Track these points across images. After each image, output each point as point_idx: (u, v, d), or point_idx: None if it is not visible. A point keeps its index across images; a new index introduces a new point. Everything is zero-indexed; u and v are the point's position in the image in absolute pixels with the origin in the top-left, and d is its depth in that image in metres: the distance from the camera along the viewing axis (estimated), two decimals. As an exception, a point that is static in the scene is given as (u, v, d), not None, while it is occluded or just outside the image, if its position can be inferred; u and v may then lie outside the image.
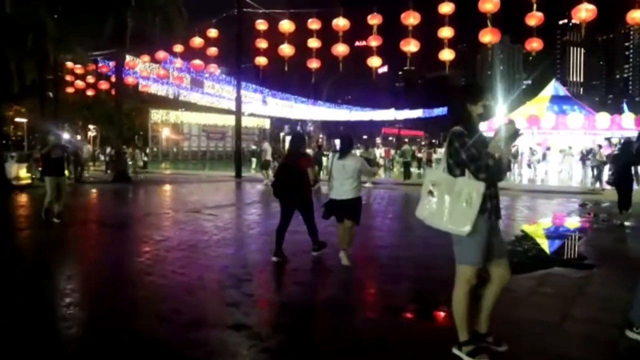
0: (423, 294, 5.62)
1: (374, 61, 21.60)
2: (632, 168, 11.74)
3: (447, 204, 3.55)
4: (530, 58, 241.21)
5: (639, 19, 16.74)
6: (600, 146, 29.09)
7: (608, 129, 38.20)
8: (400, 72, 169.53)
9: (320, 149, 26.04)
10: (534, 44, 18.55)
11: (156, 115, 55.41)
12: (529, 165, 30.42)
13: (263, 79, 42.51)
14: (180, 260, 7.10)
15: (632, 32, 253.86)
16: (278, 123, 71.25)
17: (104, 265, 7.10)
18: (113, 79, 28.39)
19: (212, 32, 25.37)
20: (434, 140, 73.02)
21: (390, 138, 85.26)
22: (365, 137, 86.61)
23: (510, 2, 17.96)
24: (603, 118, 38.42)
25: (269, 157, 22.45)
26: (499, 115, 44.84)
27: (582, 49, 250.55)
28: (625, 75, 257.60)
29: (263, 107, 58.89)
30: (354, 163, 6.73)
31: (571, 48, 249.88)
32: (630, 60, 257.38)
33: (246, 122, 52.08)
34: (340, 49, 21.28)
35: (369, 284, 6.37)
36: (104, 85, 32.94)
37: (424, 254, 7.52)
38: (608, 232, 10.02)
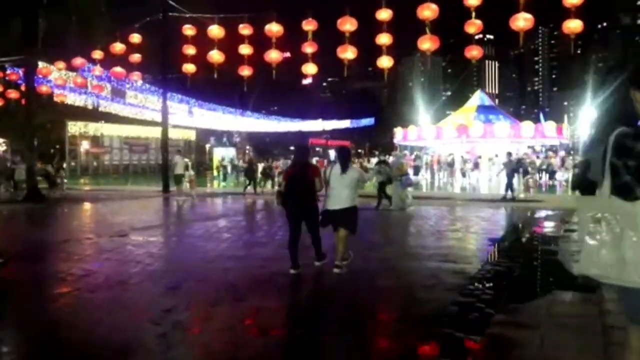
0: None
1: (309, 68, 20.66)
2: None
3: (633, 245, 2.24)
4: (450, 70, 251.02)
5: (574, 28, 16.75)
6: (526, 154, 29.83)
7: (532, 137, 39.41)
8: (324, 83, 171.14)
9: (251, 164, 24.91)
10: (474, 52, 18.26)
11: (74, 127, 51.96)
12: (463, 174, 30.59)
13: (190, 88, 40.59)
14: (109, 303, 5.73)
15: (540, 48, 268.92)
16: (203, 134, 68.89)
17: (5, 321, 5.48)
18: (23, 87, 25.71)
19: (135, 38, 23.44)
20: (359, 150, 73.32)
21: (318, 149, 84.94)
22: (292, 147, 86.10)
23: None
24: (528, 127, 39.57)
25: (180, 170, 20.94)
26: (424, 125, 45.83)
27: (497, 63, 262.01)
28: (536, 87, 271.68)
29: (189, 118, 56.69)
30: (354, 174, 7.03)
31: (487, 61, 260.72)
32: (540, 73, 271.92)
33: (171, 133, 49.40)
34: (273, 56, 20.22)
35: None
36: (12, 94, 29.89)
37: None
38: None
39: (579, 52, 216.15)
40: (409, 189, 16.24)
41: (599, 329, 4.70)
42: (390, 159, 23.85)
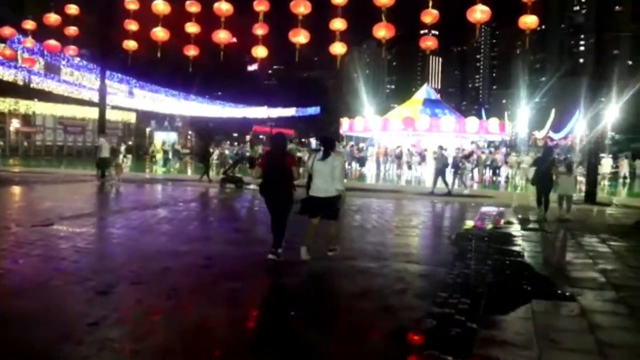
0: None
1: (259, 51, 19.68)
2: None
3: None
4: (394, 64, 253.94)
5: (530, 23, 16.55)
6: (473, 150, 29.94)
7: (476, 132, 39.91)
8: (270, 71, 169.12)
9: (207, 150, 23.86)
10: (429, 43, 17.80)
11: (3, 104, 48.54)
12: (409, 167, 30.45)
13: (131, 67, 38.57)
14: (22, 314, 4.70)
15: (482, 46, 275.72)
16: (144, 117, 66.22)
17: None
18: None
19: (72, 9, 21.60)
20: (303, 140, 72.29)
21: (262, 136, 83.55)
22: (235, 134, 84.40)
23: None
24: (472, 122, 40.04)
25: (105, 154, 19.83)
26: (370, 116, 45.63)
27: (441, 59, 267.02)
28: (477, 84, 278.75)
29: (129, 99, 54.26)
30: (338, 162, 7.07)
31: (431, 57, 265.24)
32: (481, 71, 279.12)
33: (109, 115, 47.17)
34: (222, 36, 19.14)
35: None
36: None
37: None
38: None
39: (517, 52, 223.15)
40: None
41: (593, 347, 4.19)
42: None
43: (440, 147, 19.73)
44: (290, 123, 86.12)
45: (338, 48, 18.59)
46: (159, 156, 40.09)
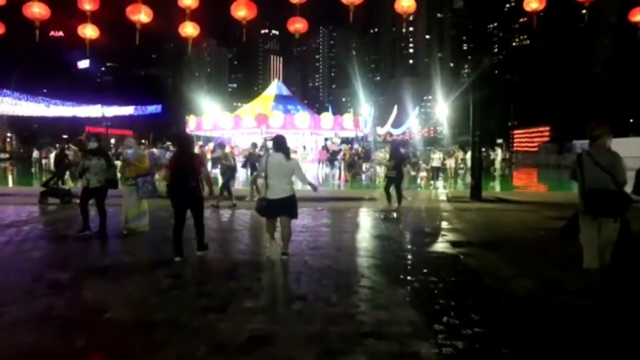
0: None
1: (88, 30, 15.84)
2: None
3: None
4: (236, 63, 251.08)
5: (407, 8, 14.96)
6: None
7: (331, 129, 38.84)
8: (103, 68, 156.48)
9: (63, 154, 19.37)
10: (298, 25, 15.42)
11: None
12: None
13: None
14: None
15: (321, 47, 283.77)
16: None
17: None
18: None
19: None
20: (143, 141, 66.67)
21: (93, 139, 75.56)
22: (65, 136, 75.62)
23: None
24: (327, 119, 38.90)
25: None
26: (221, 113, 42.62)
27: (282, 58, 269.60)
28: (317, 84, 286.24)
29: None
30: (292, 163, 7.05)
31: (272, 56, 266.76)
32: (320, 71, 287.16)
33: None
34: (37, 10, 15.08)
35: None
36: None
37: None
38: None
39: (354, 53, 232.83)
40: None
41: None
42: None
43: (254, 145, 17.03)
44: (129, 122, 79.39)
45: (189, 29, 15.52)
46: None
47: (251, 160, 15.54)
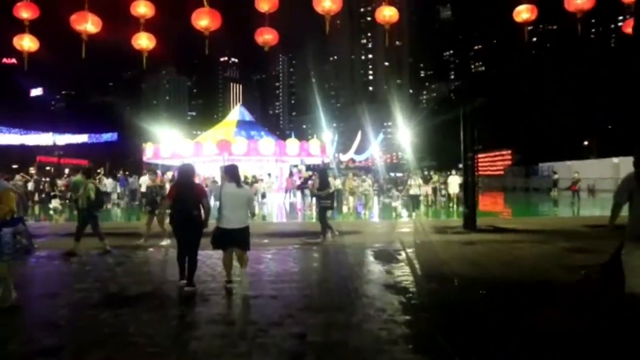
0: None
1: (25, 42, 13.81)
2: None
3: None
4: (195, 91, 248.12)
5: (389, 17, 13.47)
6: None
7: (297, 155, 37.10)
8: (58, 96, 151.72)
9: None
10: (267, 36, 13.73)
11: None
12: (262, 196, 24.55)
13: None
14: None
15: (280, 74, 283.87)
16: None
17: None
18: None
19: None
20: (99, 170, 63.40)
21: (48, 168, 71.90)
22: (15, 166, 71.52)
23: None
24: (293, 145, 37.20)
25: None
26: (180, 140, 40.46)
27: (241, 85, 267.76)
28: (277, 111, 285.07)
29: None
30: (247, 192, 7.05)
31: (231, 83, 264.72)
32: (280, 98, 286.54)
33: None
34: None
35: None
36: None
37: None
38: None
39: (313, 81, 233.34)
40: None
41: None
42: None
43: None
44: (83, 151, 75.85)
45: (143, 40, 13.65)
46: None
47: (150, 195, 12.43)
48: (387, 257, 9.30)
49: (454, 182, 20.79)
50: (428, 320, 5.36)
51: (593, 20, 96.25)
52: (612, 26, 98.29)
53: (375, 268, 8.30)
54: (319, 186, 12.26)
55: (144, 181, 28.59)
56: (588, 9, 13.07)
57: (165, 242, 11.03)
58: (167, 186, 18.25)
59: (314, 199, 22.33)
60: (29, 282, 7.53)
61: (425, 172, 23.11)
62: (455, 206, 21.09)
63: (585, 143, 63.53)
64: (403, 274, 7.78)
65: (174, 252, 7.37)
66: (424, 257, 9.34)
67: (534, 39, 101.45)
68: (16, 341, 4.81)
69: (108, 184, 27.61)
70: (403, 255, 9.46)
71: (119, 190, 29.51)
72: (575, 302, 6.04)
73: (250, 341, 4.74)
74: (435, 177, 24.45)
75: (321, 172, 13.56)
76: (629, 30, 13.82)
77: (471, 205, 13.46)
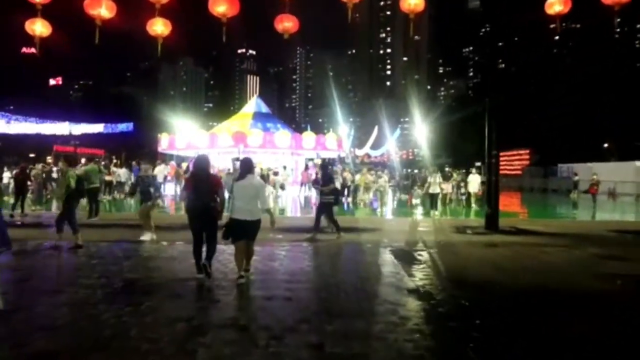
0: None
1: (37, 27, 13.50)
2: None
3: None
4: (212, 82, 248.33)
5: (414, 6, 12.94)
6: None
7: (313, 148, 36.64)
8: (76, 86, 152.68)
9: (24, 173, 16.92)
10: (287, 24, 13.28)
11: None
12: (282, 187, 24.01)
13: None
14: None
15: (298, 67, 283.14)
16: None
17: None
18: None
19: None
20: (115, 160, 63.53)
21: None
22: (32, 155, 71.87)
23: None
24: (309, 138, 36.70)
25: None
26: (195, 131, 40.21)
27: (258, 78, 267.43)
28: (294, 104, 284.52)
29: None
30: (260, 185, 7.12)
31: (248, 76, 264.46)
32: (297, 91, 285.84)
33: None
34: None
35: None
36: None
37: None
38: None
39: (331, 74, 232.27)
40: None
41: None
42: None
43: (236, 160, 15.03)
44: (99, 141, 76.03)
45: (159, 26, 13.27)
46: None
47: (143, 185, 11.03)
48: (407, 257, 8.85)
49: (475, 181, 20.27)
50: (456, 332, 4.91)
51: (619, 20, 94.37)
52: (638, 26, 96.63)
53: (395, 269, 7.85)
54: (322, 181, 11.88)
55: (159, 171, 28.47)
56: (626, 2, 12.48)
57: (145, 237, 10.40)
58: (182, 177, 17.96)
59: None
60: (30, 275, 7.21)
61: (447, 169, 22.31)
62: (475, 205, 20.56)
63: (605, 145, 62.35)
64: (426, 276, 7.33)
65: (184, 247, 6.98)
66: (447, 259, 8.87)
67: (556, 38, 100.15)
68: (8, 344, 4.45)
69: (122, 173, 27.27)
70: (425, 256, 9.01)
71: (132, 180, 29.21)
72: (617, 315, 5.55)
73: (262, 350, 4.33)
74: (455, 175, 23.83)
75: (324, 166, 13.11)
76: None
77: (494, 205, 12.94)
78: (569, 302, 6.04)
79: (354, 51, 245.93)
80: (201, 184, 6.92)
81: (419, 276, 7.34)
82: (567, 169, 47.84)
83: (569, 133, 62.05)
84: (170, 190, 30.00)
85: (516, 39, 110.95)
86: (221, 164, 34.18)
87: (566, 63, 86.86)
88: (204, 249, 6.99)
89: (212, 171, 8.27)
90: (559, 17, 12.95)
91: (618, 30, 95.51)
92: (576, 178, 33.32)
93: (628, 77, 64.76)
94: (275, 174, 23.22)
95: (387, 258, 8.85)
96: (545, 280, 7.27)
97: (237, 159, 15.61)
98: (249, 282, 6.86)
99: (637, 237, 12.17)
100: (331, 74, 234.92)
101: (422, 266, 8.13)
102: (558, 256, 9.25)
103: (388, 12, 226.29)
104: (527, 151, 70.63)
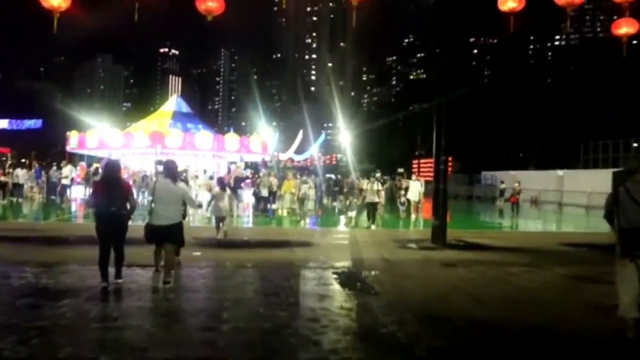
0: None
1: None
2: None
3: None
4: (132, 81, 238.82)
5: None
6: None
7: (237, 151, 34.75)
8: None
9: None
10: (210, 4, 11.41)
11: None
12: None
13: None
14: None
15: (222, 69, 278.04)
16: None
17: None
18: None
19: None
20: (23, 160, 58.40)
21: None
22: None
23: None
24: (233, 140, 34.79)
25: None
26: (108, 129, 37.10)
27: (180, 78, 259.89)
28: (216, 107, 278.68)
29: None
30: (181, 189, 6.99)
31: (171, 76, 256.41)
32: (220, 93, 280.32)
33: None
34: None
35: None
36: None
37: None
38: None
39: (255, 77, 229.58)
40: None
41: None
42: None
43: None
44: (5, 139, 69.69)
45: None
46: None
47: None
48: (357, 284, 7.26)
49: (415, 188, 18.88)
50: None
51: (532, 37, 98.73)
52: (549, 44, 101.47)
53: (348, 304, 6.23)
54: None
55: (67, 172, 25.61)
56: (579, 3, 11.86)
57: None
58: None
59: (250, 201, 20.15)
60: None
61: (377, 174, 20.73)
62: (414, 215, 19.30)
63: (521, 155, 64.66)
64: (387, 313, 5.73)
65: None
66: (405, 286, 7.35)
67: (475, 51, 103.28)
68: None
69: (20, 174, 24.22)
70: (377, 281, 7.46)
71: (34, 182, 26.09)
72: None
73: None
74: (388, 183, 22.60)
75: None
76: (618, 31, 12.50)
77: (442, 216, 11.66)
78: (577, 351, 4.64)
79: (279, 55, 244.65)
80: (112, 189, 6.65)
81: (380, 313, 5.73)
82: (490, 176, 48.44)
83: (491, 142, 63.47)
84: (80, 194, 27.35)
85: (437, 50, 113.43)
86: (136, 165, 31.55)
87: (486, 76, 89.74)
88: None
89: (124, 174, 7.62)
90: (512, 14, 11.96)
91: (531, 47, 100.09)
92: (502, 186, 33.31)
93: (544, 91, 67.35)
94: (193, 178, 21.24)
95: (333, 288, 7.17)
96: (531, 315, 5.87)
97: (160, 162, 14.32)
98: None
99: (592, 252, 11.30)
100: (255, 77, 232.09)
101: (378, 298, 6.54)
102: (528, 278, 8.00)
103: (315, 18, 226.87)
104: (449, 158, 71.69)
